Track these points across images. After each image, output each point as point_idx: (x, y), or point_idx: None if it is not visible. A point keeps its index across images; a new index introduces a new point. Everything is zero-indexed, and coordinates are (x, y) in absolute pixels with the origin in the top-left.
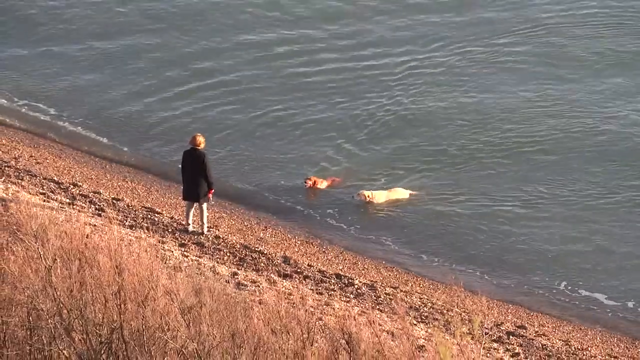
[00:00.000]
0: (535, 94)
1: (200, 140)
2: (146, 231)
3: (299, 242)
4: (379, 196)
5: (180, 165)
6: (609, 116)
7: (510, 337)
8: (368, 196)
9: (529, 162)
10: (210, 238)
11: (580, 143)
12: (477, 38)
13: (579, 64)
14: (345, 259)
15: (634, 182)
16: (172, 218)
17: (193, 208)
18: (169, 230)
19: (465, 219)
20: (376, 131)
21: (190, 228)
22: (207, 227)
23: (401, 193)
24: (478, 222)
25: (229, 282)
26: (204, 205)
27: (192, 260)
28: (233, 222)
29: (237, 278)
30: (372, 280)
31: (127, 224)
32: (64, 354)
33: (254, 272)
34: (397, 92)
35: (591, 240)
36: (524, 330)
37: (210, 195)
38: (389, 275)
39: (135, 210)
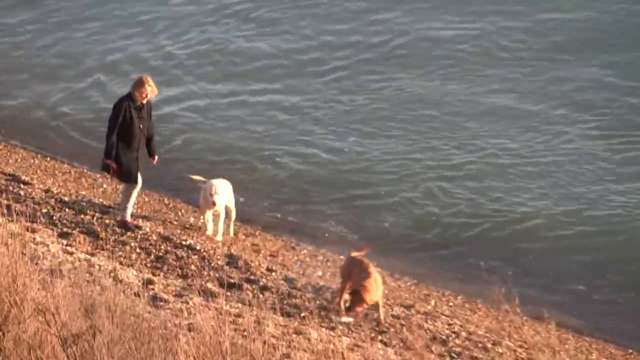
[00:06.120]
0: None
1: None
2: (5, 212)
3: (252, 232)
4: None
5: None
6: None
7: None
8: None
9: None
10: (111, 225)
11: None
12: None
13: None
14: (327, 260)
15: None
16: (47, 191)
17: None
18: (44, 211)
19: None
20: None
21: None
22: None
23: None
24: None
25: (139, 295)
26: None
27: (79, 260)
28: (147, 200)
29: (153, 289)
30: None
31: None
32: None
33: (180, 280)
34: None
35: None
36: None
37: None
38: (399, 286)
39: None
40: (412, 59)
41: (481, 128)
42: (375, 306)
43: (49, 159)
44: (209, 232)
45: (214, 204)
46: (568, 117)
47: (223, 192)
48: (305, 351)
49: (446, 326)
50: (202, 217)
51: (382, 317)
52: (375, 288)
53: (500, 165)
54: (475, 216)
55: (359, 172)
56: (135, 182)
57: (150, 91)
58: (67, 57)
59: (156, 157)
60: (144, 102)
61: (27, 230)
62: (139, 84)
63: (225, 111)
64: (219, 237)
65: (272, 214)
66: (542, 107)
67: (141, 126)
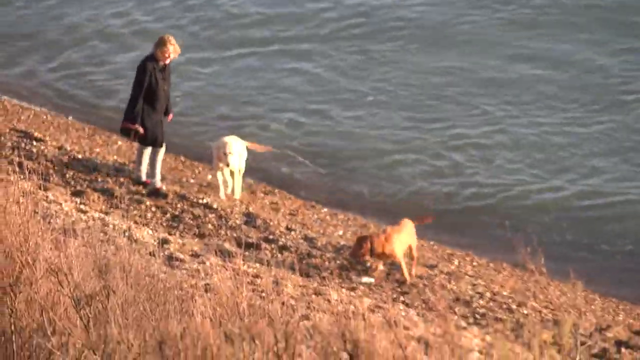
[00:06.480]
0: None
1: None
2: (17, 169)
3: (270, 189)
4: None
5: None
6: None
7: (622, 349)
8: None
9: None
10: (125, 183)
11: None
12: None
13: None
14: (348, 220)
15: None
16: (60, 149)
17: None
18: (56, 168)
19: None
20: None
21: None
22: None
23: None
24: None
25: (154, 255)
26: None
27: (93, 219)
28: (163, 158)
29: (169, 249)
30: None
31: None
32: None
33: (197, 240)
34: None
35: None
36: None
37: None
38: (422, 246)
39: None
40: (433, 26)
41: (504, 99)
42: (398, 266)
43: (62, 115)
44: (222, 194)
45: (228, 163)
46: (597, 87)
47: (236, 151)
48: (325, 312)
49: (470, 286)
50: (216, 176)
51: (406, 276)
52: (382, 243)
53: (525, 135)
54: (498, 186)
55: (377, 139)
56: (161, 145)
57: (173, 50)
58: (52, 18)
59: (171, 115)
60: (167, 62)
61: (40, 189)
62: (162, 43)
63: (235, 74)
64: (237, 195)
65: (289, 171)
66: (570, 77)
67: (165, 88)
